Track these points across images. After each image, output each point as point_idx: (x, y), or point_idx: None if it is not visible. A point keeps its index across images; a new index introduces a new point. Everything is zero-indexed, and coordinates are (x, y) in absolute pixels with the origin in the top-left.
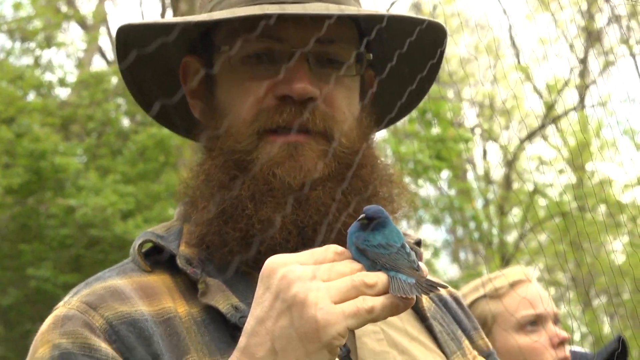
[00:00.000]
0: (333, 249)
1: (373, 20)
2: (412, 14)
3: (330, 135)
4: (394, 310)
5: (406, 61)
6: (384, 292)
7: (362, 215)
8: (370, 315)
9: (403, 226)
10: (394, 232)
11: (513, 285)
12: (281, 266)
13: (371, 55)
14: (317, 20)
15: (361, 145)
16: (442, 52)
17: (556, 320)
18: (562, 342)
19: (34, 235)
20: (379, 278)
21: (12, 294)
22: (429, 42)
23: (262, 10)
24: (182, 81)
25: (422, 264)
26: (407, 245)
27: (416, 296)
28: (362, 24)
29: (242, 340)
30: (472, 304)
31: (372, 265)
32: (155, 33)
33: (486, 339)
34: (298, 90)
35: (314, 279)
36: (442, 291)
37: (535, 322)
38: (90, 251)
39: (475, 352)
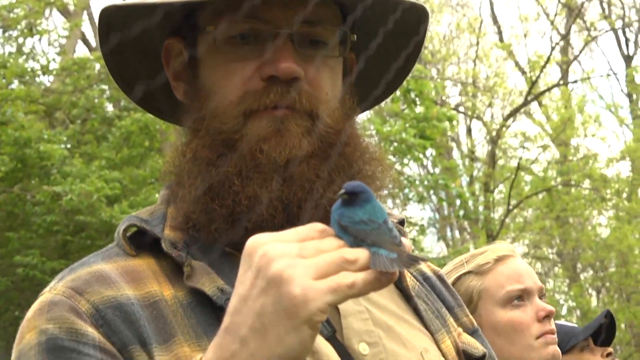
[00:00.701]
0: (316, 227)
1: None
2: None
3: (315, 114)
4: (375, 285)
5: (387, 41)
6: (366, 267)
7: (342, 191)
8: (351, 291)
9: (388, 205)
10: (376, 207)
11: (498, 260)
12: (262, 245)
13: (355, 36)
14: (303, 1)
15: (344, 124)
16: (425, 31)
17: (542, 294)
18: (547, 316)
19: (20, 222)
20: (360, 254)
21: (0, 281)
22: (410, 22)
23: None
24: (165, 63)
25: (404, 239)
26: (389, 221)
27: (400, 274)
28: (346, 4)
29: (226, 319)
30: (457, 280)
31: (354, 242)
32: (139, 14)
33: (471, 316)
34: (284, 70)
35: (294, 256)
36: (426, 269)
37: (521, 296)
38: (77, 237)
39: (460, 329)
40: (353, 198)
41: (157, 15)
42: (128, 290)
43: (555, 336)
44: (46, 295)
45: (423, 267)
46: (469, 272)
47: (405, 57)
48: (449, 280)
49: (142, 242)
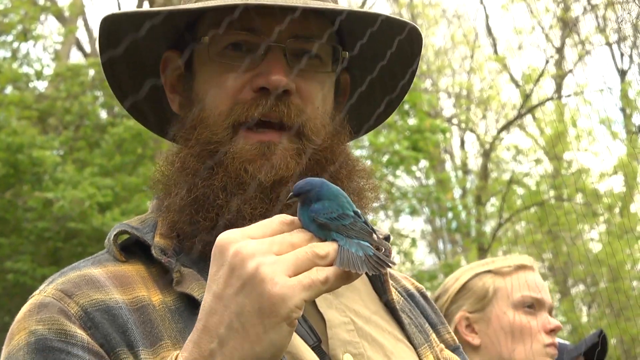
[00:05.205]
0: (281, 219)
1: (351, 19)
2: (389, 10)
3: (303, 132)
4: (346, 280)
5: (381, 62)
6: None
7: (290, 194)
8: (325, 286)
9: (380, 217)
10: (334, 198)
11: (519, 267)
12: (233, 242)
13: (347, 53)
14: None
15: (332, 141)
16: (420, 51)
17: (551, 311)
18: (553, 330)
19: (11, 228)
20: (330, 248)
21: None
22: (404, 44)
23: (235, 0)
24: (162, 76)
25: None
26: (359, 211)
27: (385, 290)
28: (342, 24)
29: (201, 318)
30: (475, 277)
31: (321, 233)
32: (140, 25)
33: (453, 334)
34: (275, 82)
35: (267, 253)
36: (410, 286)
37: (533, 305)
38: (68, 244)
39: (442, 345)
40: (303, 198)
41: (142, 30)
42: (116, 294)
43: (556, 352)
44: (36, 297)
45: (407, 284)
46: (488, 271)
47: (404, 73)
48: (465, 278)
49: (132, 248)
